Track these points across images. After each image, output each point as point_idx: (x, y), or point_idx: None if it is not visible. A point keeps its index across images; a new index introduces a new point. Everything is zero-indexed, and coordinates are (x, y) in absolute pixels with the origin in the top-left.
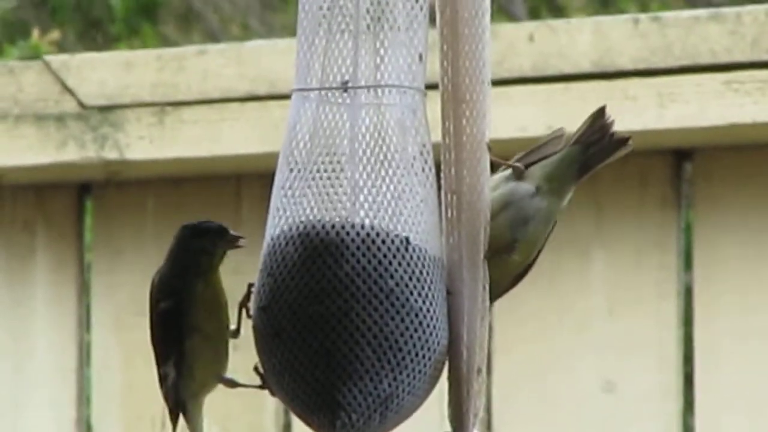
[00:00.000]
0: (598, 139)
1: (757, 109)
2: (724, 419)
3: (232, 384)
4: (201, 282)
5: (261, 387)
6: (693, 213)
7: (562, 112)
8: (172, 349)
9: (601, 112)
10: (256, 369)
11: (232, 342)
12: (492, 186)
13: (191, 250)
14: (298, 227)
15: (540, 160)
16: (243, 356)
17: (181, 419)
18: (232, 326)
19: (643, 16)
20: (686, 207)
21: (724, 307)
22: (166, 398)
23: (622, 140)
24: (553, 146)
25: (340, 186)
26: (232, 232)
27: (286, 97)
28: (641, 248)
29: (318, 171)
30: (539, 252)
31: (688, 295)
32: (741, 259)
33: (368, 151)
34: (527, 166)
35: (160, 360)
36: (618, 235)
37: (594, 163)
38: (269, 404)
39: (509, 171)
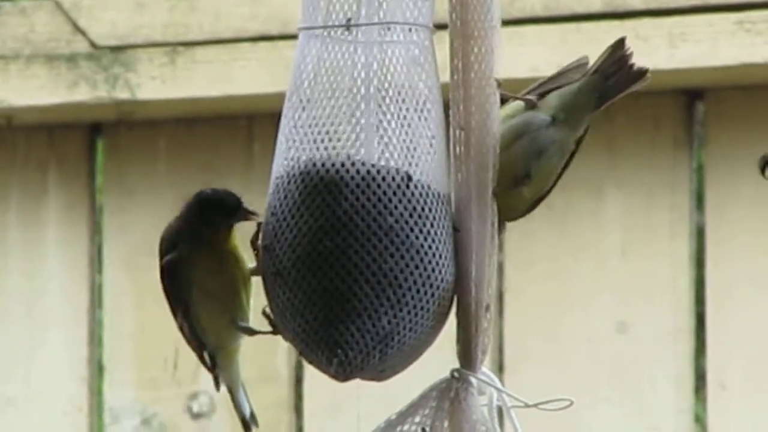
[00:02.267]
0: (616, 70)
1: None
2: (735, 360)
3: (250, 332)
4: (201, 244)
5: (273, 333)
6: (705, 153)
7: (573, 52)
8: (178, 302)
9: (620, 43)
10: (263, 312)
11: None
12: (509, 114)
13: (198, 220)
14: (299, 166)
15: (557, 88)
16: (256, 300)
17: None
18: (251, 264)
19: None
20: (698, 147)
21: (736, 248)
22: (191, 346)
23: (641, 72)
24: (573, 75)
25: (344, 124)
26: (245, 206)
27: (297, 37)
28: (653, 189)
29: (323, 109)
30: (555, 183)
31: (700, 236)
32: (753, 200)
33: (371, 89)
34: (544, 94)
35: (173, 312)
36: (630, 175)
37: (612, 94)
38: (281, 346)
39: (521, 103)
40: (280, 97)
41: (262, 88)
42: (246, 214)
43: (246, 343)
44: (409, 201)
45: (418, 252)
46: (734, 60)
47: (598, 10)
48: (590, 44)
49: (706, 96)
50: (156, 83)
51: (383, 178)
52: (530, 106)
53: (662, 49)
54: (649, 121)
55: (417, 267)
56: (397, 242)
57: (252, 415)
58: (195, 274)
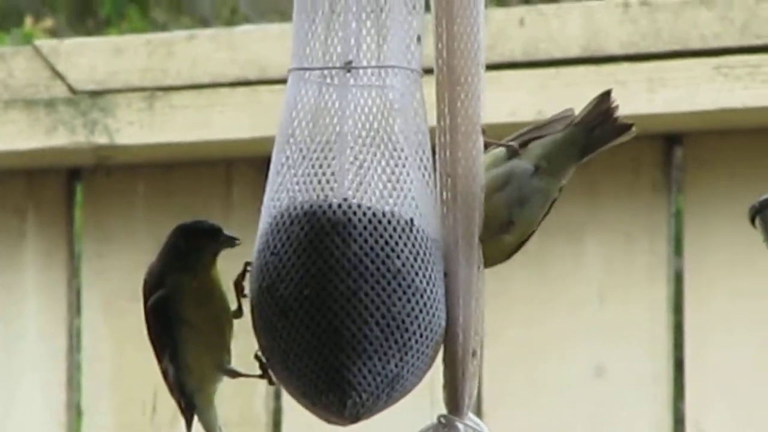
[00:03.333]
0: (601, 122)
1: (747, 93)
2: (714, 405)
3: (234, 374)
4: (189, 276)
5: (261, 376)
6: (683, 198)
7: (553, 97)
8: (165, 342)
9: (606, 95)
10: (256, 356)
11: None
12: (490, 162)
13: (181, 249)
14: (302, 206)
15: (540, 137)
16: (240, 342)
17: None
18: (232, 306)
19: (632, 1)
20: (676, 192)
21: (714, 293)
22: (173, 394)
23: (626, 126)
24: (557, 125)
25: (343, 167)
26: (226, 232)
27: (276, 82)
28: (632, 233)
29: (321, 151)
30: (533, 231)
31: (678, 281)
32: (731, 244)
33: (371, 132)
34: (526, 143)
35: (159, 355)
36: (609, 220)
37: (595, 146)
38: (259, 390)
39: (502, 149)
40: (258, 141)
41: (241, 133)
42: (229, 239)
43: (224, 386)
44: (413, 245)
45: (422, 296)
46: (713, 105)
47: (577, 55)
48: (569, 89)
49: (684, 140)
50: (134, 128)
51: (389, 222)
52: (512, 152)
53: (641, 93)
54: (628, 166)
55: (421, 311)
56: (404, 285)
57: None
58: (184, 309)
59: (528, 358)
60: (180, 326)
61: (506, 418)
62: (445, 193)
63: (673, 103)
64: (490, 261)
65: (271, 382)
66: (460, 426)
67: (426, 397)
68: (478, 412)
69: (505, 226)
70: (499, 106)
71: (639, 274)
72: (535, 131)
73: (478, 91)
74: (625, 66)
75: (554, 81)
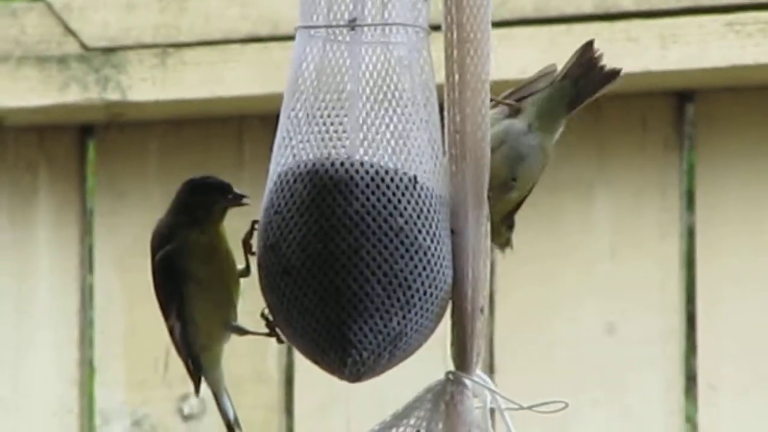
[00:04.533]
0: (586, 72)
1: (759, 50)
2: (726, 362)
3: (241, 332)
4: (196, 232)
5: (268, 334)
6: (695, 154)
7: (564, 54)
8: (172, 298)
9: (588, 45)
10: (263, 315)
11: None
12: None
13: (190, 204)
14: (306, 164)
15: (530, 95)
16: (248, 300)
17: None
18: (240, 266)
19: None
20: (688, 148)
21: (726, 249)
22: (179, 353)
23: (612, 73)
24: (543, 82)
25: (347, 124)
26: (235, 190)
27: (287, 38)
28: (643, 190)
29: (325, 108)
30: (530, 190)
31: (690, 237)
32: (743, 201)
33: (375, 90)
34: (519, 101)
35: (165, 312)
36: (620, 176)
37: (584, 97)
38: (271, 347)
39: (500, 108)
40: (270, 98)
41: (252, 90)
42: (237, 196)
43: (237, 343)
44: (417, 202)
45: (425, 254)
46: (724, 61)
47: (589, 11)
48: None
49: (696, 97)
50: (146, 85)
51: (392, 179)
52: (514, 110)
53: (653, 50)
54: (638, 123)
55: (425, 269)
56: (407, 243)
57: (236, 419)
58: (191, 265)
59: (539, 315)
60: (187, 282)
61: (518, 376)
62: (453, 150)
63: (685, 59)
64: (493, 222)
65: (279, 341)
66: (468, 382)
67: (438, 353)
68: (490, 370)
69: (507, 184)
70: (510, 63)
71: (650, 230)
72: (522, 90)
73: (487, 47)
74: (638, 23)
75: (566, 38)
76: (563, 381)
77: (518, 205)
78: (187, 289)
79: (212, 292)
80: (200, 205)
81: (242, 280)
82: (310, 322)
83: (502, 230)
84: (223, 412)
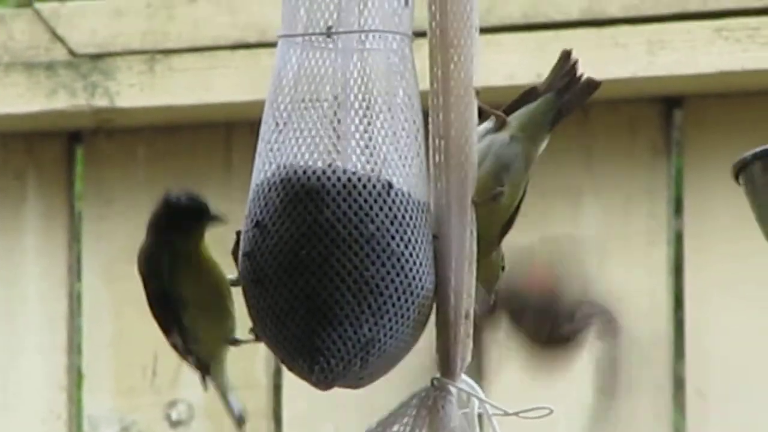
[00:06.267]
0: (568, 84)
1: (747, 56)
2: (715, 368)
3: (237, 343)
4: (181, 257)
5: (256, 341)
6: (683, 160)
7: (552, 60)
8: (170, 323)
9: (566, 56)
10: (251, 330)
11: None
12: None
13: (167, 229)
14: (281, 173)
15: (515, 111)
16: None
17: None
18: (231, 276)
19: None
20: (676, 154)
21: (714, 255)
22: (188, 361)
23: (592, 84)
24: (527, 98)
25: (324, 131)
26: (212, 210)
27: (276, 45)
28: (631, 196)
29: (302, 117)
30: (521, 201)
31: (678, 243)
32: (731, 207)
33: (351, 96)
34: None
35: (165, 333)
36: (608, 182)
37: (567, 109)
38: (259, 353)
39: (488, 124)
40: (258, 105)
41: (241, 96)
42: (215, 218)
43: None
44: (390, 209)
45: (398, 260)
46: (712, 68)
47: (576, 17)
48: None
49: (684, 103)
50: (134, 91)
51: (364, 186)
52: (500, 122)
53: (641, 56)
54: (626, 128)
55: (398, 275)
56: (378, 250)
57: (240, 415)
58: (182, 291)
59: None
60: (183, 306)
61: (506, 382)
62: (437, 156)
63: (673, 65)
64: (487, 234)
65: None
66: (453, 389)
67: (426, 358)
68: (479, 376)
69: (496, 194)
70: (498, 69)
71: (638, 236)
72: (508, 108)
73: (472, 53)
74: (625, 29)
75: (553, 44)
76: (552, 387)
77: (509, 223)
78: (186, 312)
79: (209, 311)
80: (177, 231)
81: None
82: (281, 330)
83: (497, 260)
84: (232, 410)
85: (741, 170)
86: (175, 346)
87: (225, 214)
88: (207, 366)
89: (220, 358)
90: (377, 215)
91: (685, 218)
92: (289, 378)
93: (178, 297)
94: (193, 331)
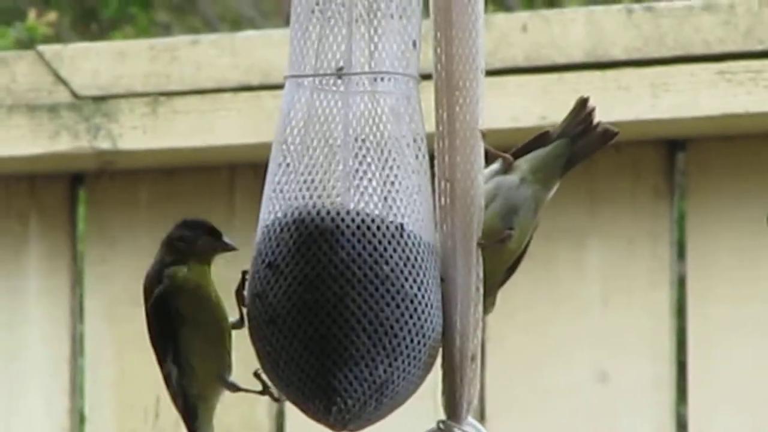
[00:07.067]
0: (583, 131)
1: (750, 99)
2: (717, 410)
3: (235, 388)
4: (182, 269)
5: (262, 393)
6: (686, 203)
7: (555, 103)
8: (167, 342)
9: (583, 103)
10: (256, 374)
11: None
12: None
13: (173, 238)
14: (292, 213)
15: (526, 153)
16: (241, 349)
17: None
18: (233, 318)
19: (636, 6)
20: (679, 197)
21: (717, 298)
22: (175, 401)
23: (609, 134)
24: (537, 142)
25: (334, 173)
26: (226, 239)
27: (279, 87)
28: (634, 238)
29: (312, 158)
30: (528, 244)
31: (681, 286)
32: (734, 249)
33: (362, 138)
34: (515, 158)
35: (161, 358)
36: (611, 225)
37: (580, 157)
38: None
39: (496, 166)
40: (261, 147)
41: (243, 139)
42: (223, 242)
43: (227, 393)
44: (403, 250)
45: (412, 302)
46: (715, 110)
47: (580, 60)
48: (572, 94)
49: (687, 146)
50: (137, 133)
51: (378, 228)
52: (507, 164)
53: (644, 99)
54: (630, 171)
55: (411, 316)
56: (392, 291)
57: None
58: (182, 305)
59: (531, 363)
60: (181, 323)
61: (510, 424)
62: (443, 199)
63: (676, 108)
64: (492, 277)
65: (273, 399)
66: (459, 431)
67: (430, 400)
68: (482, 418)
69: (503, 236)
70: (502, 112)
71: (641, 279)
72: (518, 150)
73: (477, 95)
74: (629, 71)
75: (557, 86)
76: (555, 429)
77: (516, 263)
78: (182, 330)
79: (206, 334)
80: (183, 238)
81: (235, 332)
82: (295, 371)
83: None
84: None
85: None
86: (167, 379)
87: (234, 247)
88: (195, 410)
89: (210, 402)
90: (391, 257)
91: (687, 261)
92: (291, 420)
93: (175, 312)
94: (186, 354)
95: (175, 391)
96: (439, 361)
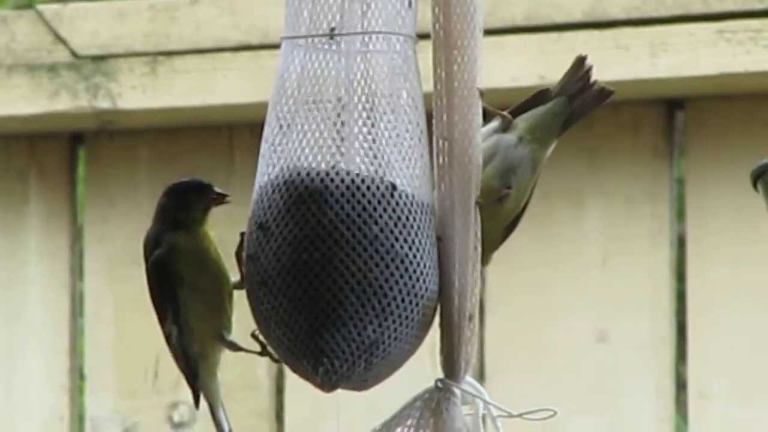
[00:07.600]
0: (580, 90)
1: (749, 58)
2: (716, 369)
3: (234, 347)
4: (182, 234)
5: (261, 353)
6: (685, 163)
7: (555, 62)
8: (167, 302)
9: (580, 61)
10: (253, 335)
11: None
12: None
13: (168, 207)
14: (284, 174)
15: (524, 112)
16: (240, 310)
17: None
18: (234, 278)
19: None
20: (678, 156)
21: (716, 257)
22: (177, 361)
23: (605, 92)
24: (538, 99)
25: (327, 133)
26: (216, 189)
27: (278, 47)
28: (634, 198)
29: (306, 118)
30: (527, 203)
31: (680, 245)
32: (733, 209)
33: (355, 98)
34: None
35: (161, 318)
36: (610, 184)
37: (578, 116)
38: None
39: (494, 124)
40: (260, 106)
41: (243, 98)
42: (218, 197)
43: (226, 352)
44: (394, 210)
45: (402, 261)
46: (714, 69)
47: (579, 19)
48: (570, 54)
49: (686, 105)
50: (137, 92)
51: (368, 188)
52: (506, 123)
53: (643, 58)
54: (629, 131)
55: (402, 276)
56: (382, 251)
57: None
58: (182, 268)
59: (530, 323)
60: (180, 286)
61: (509, 384)
62: (441, 158)
63: (675, 67)
64: (489, 235)
65: (273, 359)
66: (457, 390)
67: (428, 360)
68: (481, 378)
69: (501, 195)
70: (501, 72)
71: (641, 239)
72: (516, 109)
73: (475, 55)
74: (628, 30)
75: (556, 46)
76: (554, 389)
77: (515, 222)
78: (182, 292)
79: (205, 295)
80: (179, 206)
81: (237, 293)
82: (285, 332)
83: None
84: (218, 424)
85: (759, 177)
86: (168, 339)
87: (228, 194)
88: (196, 369)
89: (210, 361)
90: (381, 217)
91: (687, 220)
92: (291, 379)
93: (175, 274)
94: (185, 314)
95: (176, 349)
96: (437, 320)
